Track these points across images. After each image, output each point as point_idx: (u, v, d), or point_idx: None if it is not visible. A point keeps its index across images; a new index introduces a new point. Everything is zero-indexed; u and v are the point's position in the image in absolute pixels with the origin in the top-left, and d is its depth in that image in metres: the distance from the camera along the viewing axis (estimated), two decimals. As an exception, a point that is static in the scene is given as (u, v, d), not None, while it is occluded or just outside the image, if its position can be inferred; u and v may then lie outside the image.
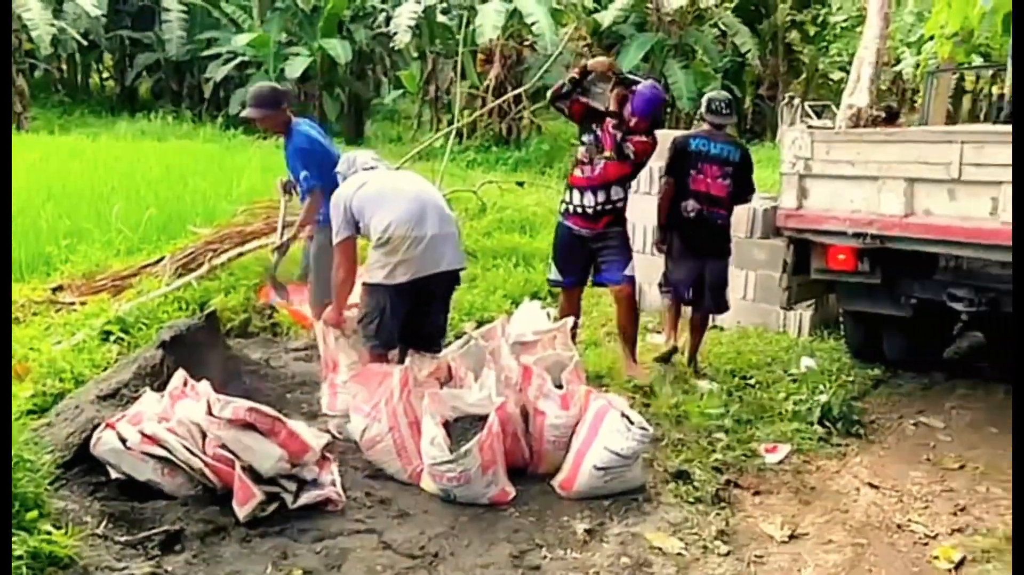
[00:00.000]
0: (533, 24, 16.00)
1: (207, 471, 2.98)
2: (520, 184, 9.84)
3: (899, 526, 3.33)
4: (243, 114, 4.93)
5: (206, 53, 19.17)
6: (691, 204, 4.80)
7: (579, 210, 4.60)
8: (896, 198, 4.25)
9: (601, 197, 4.55)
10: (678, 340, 5.14)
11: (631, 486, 3.45)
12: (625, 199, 4.64)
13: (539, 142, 17.58)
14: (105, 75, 23.86)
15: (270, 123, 4.84)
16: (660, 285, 5.21)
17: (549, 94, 4.68)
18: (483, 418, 3.36)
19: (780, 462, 3.85)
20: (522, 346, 4.09)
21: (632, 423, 3.41)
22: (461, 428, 3.38)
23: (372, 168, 4.06)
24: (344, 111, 19.70)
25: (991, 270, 4.40)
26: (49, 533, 2.47)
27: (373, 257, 3.82)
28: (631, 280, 4.72)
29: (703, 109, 4.97)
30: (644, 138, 4.55)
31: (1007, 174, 3.99)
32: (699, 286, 4.95)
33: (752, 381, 4.84)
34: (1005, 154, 4.04)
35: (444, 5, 17.82)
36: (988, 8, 9.05)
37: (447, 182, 9.31)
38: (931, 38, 12.24)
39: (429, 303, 3.95)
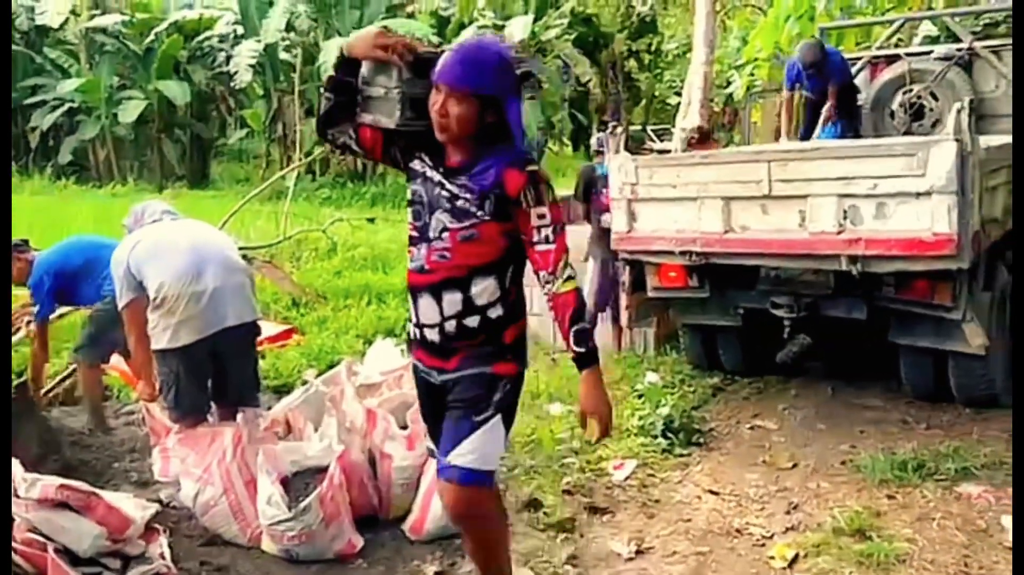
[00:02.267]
0: (379, 60, 16.00)
1: (17, 558, 2.72)
2: (371, 220, 9.75)
3: (738, 530, 3.48)
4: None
5: (30, 101, 17.98)
6: (605, 217, 5.33)
7: (418, 335, 2.40)
8: (715, 216, 4.50)
9: (450, 307, 2.29)
10: None
11: (483, 521, 3.43)
12: (506, 302, 2.32)
13: (396, 175, 17.56)
14: (-87, 128, 21.88)
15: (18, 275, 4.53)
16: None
17: (316, 124, 2.55)
18: (325, 469, 3.26)
19: (627, 478, 3.94)
20: (367, 388, 4.02)
21: (478, 457, 3.39)
22: (302, 482, 3.26)
23: (157, 221, 3.85)
24: (186, 153, 18.97)
25: (806, 278, 4.72)
26: None
27: (153, 320, 3.54)
28: (472, 478, 2.27)
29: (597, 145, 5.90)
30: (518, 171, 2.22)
31: (811, 187, 4.32)
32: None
33: (602, 401, 4.95)
34: (807, 169, 4.38)
35: (287, 42, 17.55)
36: (795, 32, 9.87)
37: (296, 222, 9.10)
38: (752, 61, 13.18)
39: (227, 360, 3.68)
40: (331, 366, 5.07)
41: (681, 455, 4.23)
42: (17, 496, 2.80)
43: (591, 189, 5.67)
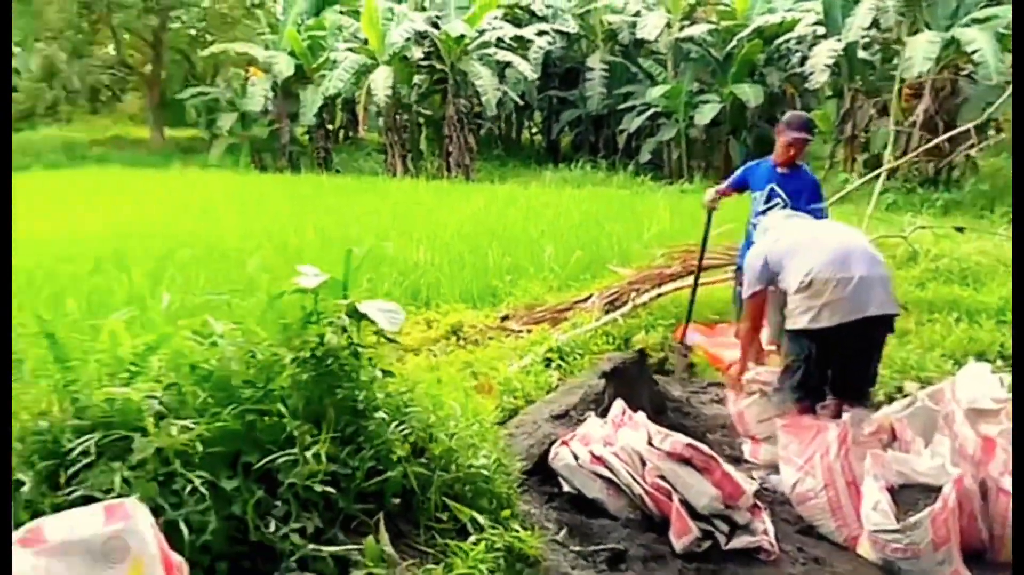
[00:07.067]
0: (974, 52, 14.32)
1: (646, 498, 3.14)
2: (959, 230, 8.81)
3: None
4: (797, 136, 4.72)
5: (622, 106, 20.56)
6: None
7: None
8: None
9: None
10: None
11: None
12: None
13: (975, 182, 15.59)
14: (534, 131, 26.89)
15: (801, 151, 4.82)
16: None
17: None
18: (934, 489, 3.06)
19: None
20: (979, 414, 3.63)
21: None
22: (911, 497, 3.11)
23: (787, 220, 4.00)
24: (750, 155, 19.59)
25: None
26: (518, 532, 2.81)
27: (794, 303, 3.67)
28: None
29: None
30: None
31: None
32: None
33: None
34: None
35: (866, 40, 16.81)
36: None
37: (870, 226, 8.70)
38: None
39: (857, 350, 3.68)
40: (921, 383, 4.75)
41: None
42: (650, 444, 3.22)
43: None
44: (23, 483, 2.12)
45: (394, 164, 19.97)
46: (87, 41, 24.21)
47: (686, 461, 3.13)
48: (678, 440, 3.17)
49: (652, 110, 19.52)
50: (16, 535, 1.94)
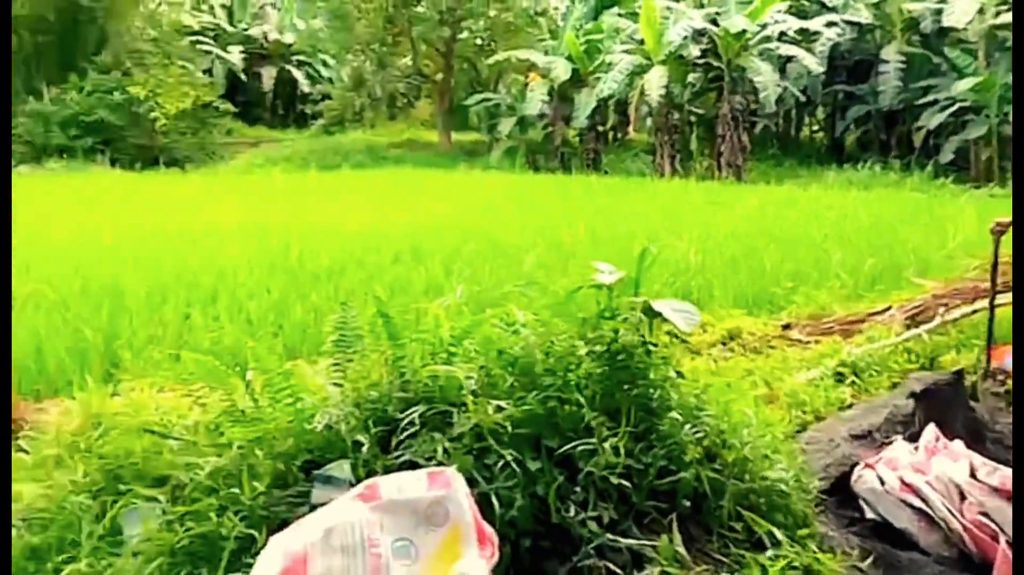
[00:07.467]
0: None
1: (966, 536, 2.81)
2: None
3: None
4: None
5: (921, 101, 18.69)
6: None
7: None
8: None
9: None
10: None
11: None
12: None
13: None
14: (815, 128, 25.32)
15: None
16: None
17: None
18: None
19: None
20: None
21: None
22: None
23: None
24: (1083, 156, 16.87)
25: None
26: (816, 553, 2.64)
27: None
28: None
29: None
30: None
31: None
32: None
33: None
34: None
35: None
36: None
37: None
38: None
39: None
40: None
41: None
42: (973, 477, 2.88)
43: None
44: (362, 444, 2.38)
45: (662, 164, 19.86)
46: (390, 53, 26.77)
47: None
48: (1007, 475, 2.79)
49: (957, 105, 17.54)
50: (355, 490, 2.19)
